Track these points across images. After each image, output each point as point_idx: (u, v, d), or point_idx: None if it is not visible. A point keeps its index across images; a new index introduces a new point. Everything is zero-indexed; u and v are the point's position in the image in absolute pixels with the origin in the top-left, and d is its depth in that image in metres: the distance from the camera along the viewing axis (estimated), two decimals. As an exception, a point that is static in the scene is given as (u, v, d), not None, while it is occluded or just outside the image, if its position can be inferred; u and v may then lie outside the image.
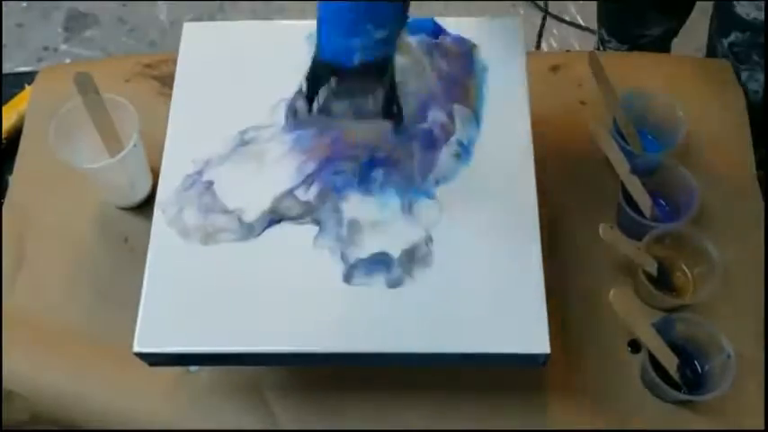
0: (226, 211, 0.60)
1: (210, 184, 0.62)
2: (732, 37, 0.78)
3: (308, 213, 0.60)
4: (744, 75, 0.80)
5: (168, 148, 0.63)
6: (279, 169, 0.62)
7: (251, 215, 0.60)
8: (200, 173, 0.62)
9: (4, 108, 0.89)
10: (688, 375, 0.66)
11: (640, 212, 0.71)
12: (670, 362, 0.64)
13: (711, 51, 0.86)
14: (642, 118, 0.75)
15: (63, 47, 1.64)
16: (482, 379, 0.67)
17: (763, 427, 0.65)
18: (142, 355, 0.56)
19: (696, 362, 0.66)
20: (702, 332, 0.65)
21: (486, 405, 0.67)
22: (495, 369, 0.66)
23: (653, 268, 0.68)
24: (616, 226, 0.67)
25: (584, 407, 0.66)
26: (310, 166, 0.62)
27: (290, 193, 0.61)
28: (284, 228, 0.59)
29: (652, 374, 0.63)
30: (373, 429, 0.66)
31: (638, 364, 0.67)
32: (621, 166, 0.69)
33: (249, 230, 0.59)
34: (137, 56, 0.88)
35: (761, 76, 0.79)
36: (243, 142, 0.63)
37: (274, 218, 0.60)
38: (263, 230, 0.59)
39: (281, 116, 0.64)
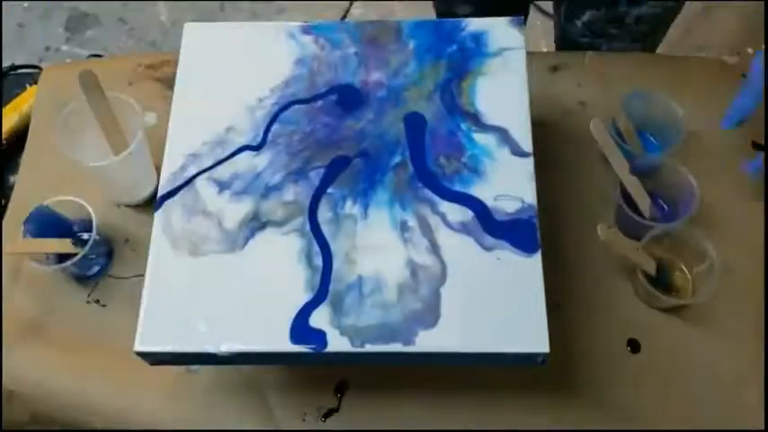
0: (206, 213, 0.60)
1: (193, 181, 0.62)
2: (587, 16, 0.88)
3: (292, 217, 0.60)
4: (603, 46, 0.91)
5: (168, 148, 0.63)
6: (264, 167, 0.62)
7: (232, 220, 0.60)
8: (183, 168, 0.62)
9: (4, 108, 0.89)
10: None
11: (639, 212, 0.71)
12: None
13: (565, 35, 0.95)
14: (642, 119, 0.75)
15: (64, 47, 1.65)
16: (482, 379, 0.67)
17: (763, 427, 0.65)
18: (143, 355, 0.56)
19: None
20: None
21: (486, 405, 0.67)
22: (494, 368, 0.66)
23: (651, 268, 0.68)
24: (615, 226, 0.67)
25: (584, 406, 0.66)
26: (295, 165, 0.62)
27: (272, 190, 0.61)
28: (270, 237, 0.59)
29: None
30: (373, 429, 0.67)
31: (637, 363, 0.68)
32: (621, 166, 0.69)
33: (233, 241, 0.59)
34: (138, 56, 0.88)
35: (618, 44, 0.90)
36: (228, 140, 0.63)
37: (256, 225, 0.59)
38: (247, 241, 0.59)
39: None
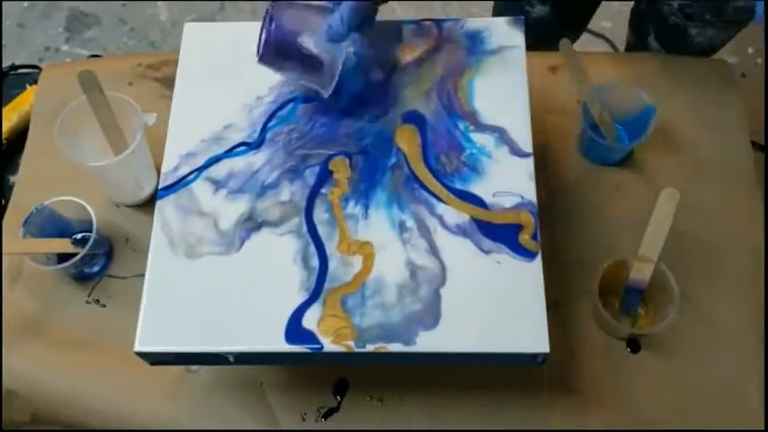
0: (202, 213, 0.60)
1: (189, 180, 0.61)
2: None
3: (288, 218, 0.59)
4: (693, 31, 0.86)
5: (167, 147, 0.63)
6: (260, 165, 0.62)
7: (228, 220, 0.59)
8: (180, 166, 0.62)
9: (5, 108, 0.89)
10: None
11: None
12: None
13: (654, 10, 0.90)
14: (612, 110, 0.76)
15: (64, 47, 1.65)
16: (482, 379, 0.67)
17: (763, 427, 0.65)
18: (143, 355, 0.56)
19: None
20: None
21: (486, 404, 0.67)
22: (495, 368, 0.66)
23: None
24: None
25: (584, 406, 0.66)
26: (292, 164, 0.62)
27: (267, 189, 0.61)
28: (266, 238, 0.59)
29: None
30: (373, 429, 0.66)
31: (635, 363, 0.68)
32: (584, 85, 0.72)
33: (229, 243, 0.59)
34: (138, 56, 0.88)
35: (710, 31, 0.85)
36: (225, 138, 0.63)
37: (252, 226, 0.59)
38: (244, 242, 0.59)
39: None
